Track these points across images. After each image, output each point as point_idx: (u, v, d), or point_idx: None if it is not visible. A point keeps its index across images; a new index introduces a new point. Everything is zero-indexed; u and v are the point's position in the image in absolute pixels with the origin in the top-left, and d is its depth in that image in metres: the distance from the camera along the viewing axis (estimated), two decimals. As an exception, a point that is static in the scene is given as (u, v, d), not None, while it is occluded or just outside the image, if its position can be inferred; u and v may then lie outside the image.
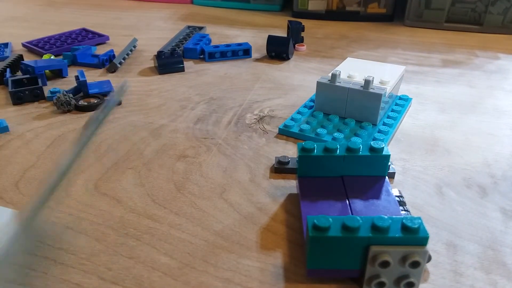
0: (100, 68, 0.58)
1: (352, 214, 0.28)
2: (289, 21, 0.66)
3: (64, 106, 0.45)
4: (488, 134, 0.42)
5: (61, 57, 0.60)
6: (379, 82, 0.42)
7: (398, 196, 0.30)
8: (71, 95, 0.45)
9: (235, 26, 0.78)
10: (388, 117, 0.43)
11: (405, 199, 0.32)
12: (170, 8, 0.91)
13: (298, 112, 0.44)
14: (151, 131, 0.42)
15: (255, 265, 0.26)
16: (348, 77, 0.43)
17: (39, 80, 0.50)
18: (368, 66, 0.46)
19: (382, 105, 0.40)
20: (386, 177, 0.31)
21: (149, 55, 0.63)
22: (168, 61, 0.56)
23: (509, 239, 0.28)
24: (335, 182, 0.31)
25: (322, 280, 0.25)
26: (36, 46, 0.63)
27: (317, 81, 0.42)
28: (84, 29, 0.72)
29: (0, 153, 0.38)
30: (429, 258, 0.25)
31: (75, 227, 0.29)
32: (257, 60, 0.61)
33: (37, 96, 0.48)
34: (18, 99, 0.47)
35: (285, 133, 0.41)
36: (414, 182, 0.34)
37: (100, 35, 0.69)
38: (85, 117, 0.44)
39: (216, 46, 0.61)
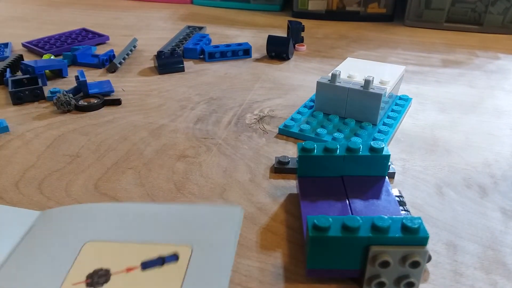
0: (100, 68, 0.58)
1: (352, 214, 0.28)
2: (289, 21, 0.66)
3: (64, 106, 0.45)
4: (488, 134, 0.42)
5: (61, 57, 0.60)
6: (379, 82, 0.42)
7: (398, 196, 0.30)
8: (71, 95, 0.45)
9: (235, 26, 0.78)
10: (388, 117, 0.43)
11: (405, 199, 0.32)
12: (170, 8, 0.91)
13: (298, 112, 0.44)
14: (151, 131, 0.42)
15: (255, 265, 0.26)
16: (348, 77, 0.43)
17: (39, 80, 0.49)
18: (368, 66, 0.46)
19: (382, 105, 0.40)
20: (386, 177, 0.31)
21: (149, 55, 0.63)
22: (168, 61, 0.56)
23: (509, 239, 0.28)
24: (335, 182, 0.31)
25: (322, 280, 0.25)
26: (36, 46, 0.63)
27: (317, 81, 0.42)
28: (84, 29, 0.72)
29: (0, 153, 0.38)
30: (429, 258, 0.25)
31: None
32: (257, 60, 0.61)
33: (37, 96, 0.48)
34: (18, 99, 0.47)
35: (285, 133, 0.41)
36: (414, 182, 0.34)
37: (100, 35, 0.69)
38: (85, 117, 0.44)
39: (216, 46, 0.61)
